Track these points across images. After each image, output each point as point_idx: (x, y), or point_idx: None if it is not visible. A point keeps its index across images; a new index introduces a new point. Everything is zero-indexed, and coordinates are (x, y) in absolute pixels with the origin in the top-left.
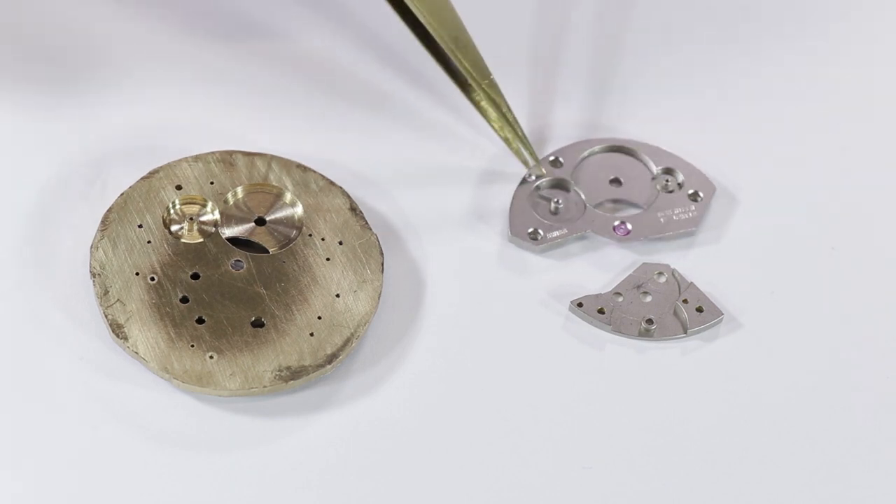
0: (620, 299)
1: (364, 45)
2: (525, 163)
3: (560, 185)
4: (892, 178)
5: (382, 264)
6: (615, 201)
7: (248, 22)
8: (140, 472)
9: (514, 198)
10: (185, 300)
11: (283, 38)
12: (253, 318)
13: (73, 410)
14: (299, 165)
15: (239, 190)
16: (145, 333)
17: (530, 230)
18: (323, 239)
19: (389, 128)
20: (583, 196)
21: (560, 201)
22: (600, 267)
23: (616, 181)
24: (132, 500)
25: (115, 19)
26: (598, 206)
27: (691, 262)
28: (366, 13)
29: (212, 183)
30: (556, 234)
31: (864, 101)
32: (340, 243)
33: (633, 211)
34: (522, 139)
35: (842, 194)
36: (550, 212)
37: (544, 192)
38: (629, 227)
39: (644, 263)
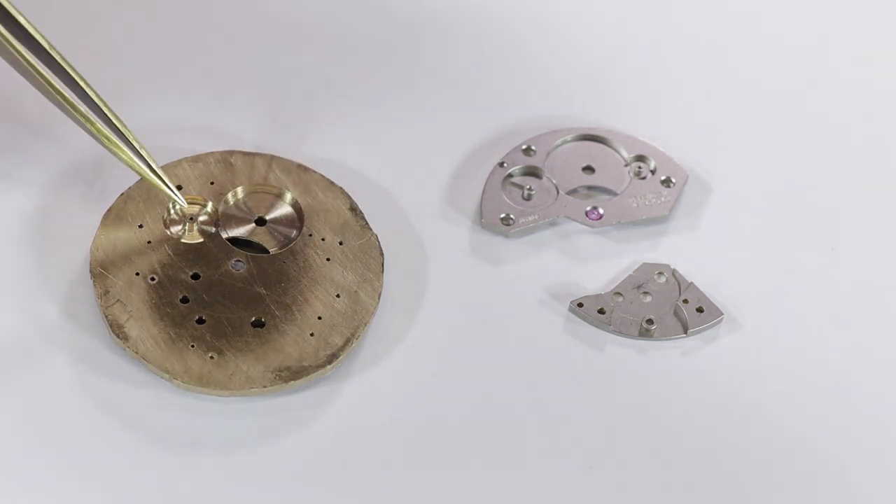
0: (620, 299)
1: (364, 45)
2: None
3: (532, 172)
4: (891, 177)
5: (382, 264)
6: (588, 188)
7: (249, 22)
8: (140, 472)
9: (486, 184)
10: (185, 300)
11: (283, 37)
12: (253, 319)
13: (73, 411)
14: (299, 165)
15: (239, 190)
16: (145, 333)
17: (502, 216)
18: (323, 239)
19: (390, 127)
20: (555, 183)
21: (532, 188)
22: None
23: (589, 168)
24: (132, 501)
25: (115, 19)
26: (572, 192)
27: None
28: (365, 14)
29: (212, 183)
30: (528, 219)
31: (850, 94)
32: (341, 243)
33: (607, 197)
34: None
35: (834, 191)
36: (523, 198)
37: (517, 180)
38: (601, 211)
39: (644, 263)
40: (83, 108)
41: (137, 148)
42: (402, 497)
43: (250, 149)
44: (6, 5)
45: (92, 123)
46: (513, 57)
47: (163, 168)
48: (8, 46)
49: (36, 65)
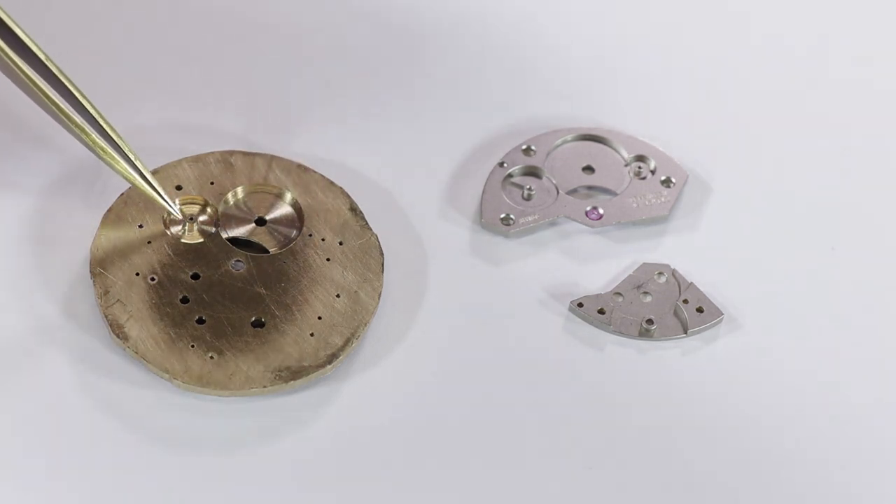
0: (620, 299)
1: (364, 45)
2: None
3: (532, 172)
4: (891, 177)
5: (382, 264)
6: (588, 188)
7: (248, 22)
8: (140, 473)
9: (486, 184)
10: (185, 300)
11: (282, 38)
12: (253, 319)
13: (73, 411)
14: (299, 165)
15: (239, 190)
16: (145, 333)
17: (502, 216)
18: (323, 239)
19: (390, 127)
20: (555, 183)
21: (532, 188)
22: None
23: (588, 168)
24: (132, 501)
25: (115, 20)
26: (572, 192)
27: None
28: (365, 14)
29: (212, 183)
30: (528, 219)
31: (850, 94)
32: (340, 243)
33: (607, 197)
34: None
35: (834, 191)
36: (523, 198)
37: (517, 180)
38: (601, 211)
39: (644, 263)
40: (78, 118)
41: (132, 159)
42: (402, 497)
43: (250, 149)
44: (3, 16)
45: (87, 134)
46: (513, 57)
47: (163, 168)
48: (4, 57)
49: (31, 75)
